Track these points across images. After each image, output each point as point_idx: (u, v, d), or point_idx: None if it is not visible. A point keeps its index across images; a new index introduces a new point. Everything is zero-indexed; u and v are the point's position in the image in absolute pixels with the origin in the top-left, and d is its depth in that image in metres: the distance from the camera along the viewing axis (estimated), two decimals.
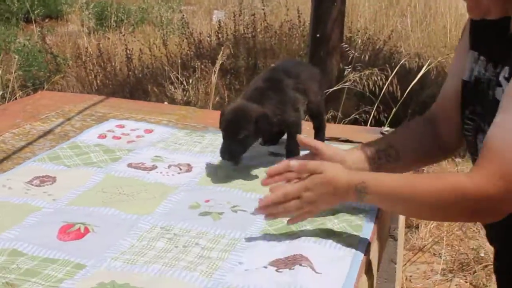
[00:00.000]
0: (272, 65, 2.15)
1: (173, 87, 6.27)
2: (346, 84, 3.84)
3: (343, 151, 1.75)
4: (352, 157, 1.72)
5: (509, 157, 1.33)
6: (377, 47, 7.23)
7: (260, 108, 1.91)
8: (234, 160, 1.96)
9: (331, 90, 3.89)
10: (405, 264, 3.26)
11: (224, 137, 1.91)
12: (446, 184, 1.40)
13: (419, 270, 3.41)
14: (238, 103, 1.97)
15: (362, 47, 6.58)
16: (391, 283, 2.31)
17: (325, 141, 2.21)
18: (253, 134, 1.91)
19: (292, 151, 2.01)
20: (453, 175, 1.43)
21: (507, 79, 1.40)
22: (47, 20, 10.54)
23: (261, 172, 1.96)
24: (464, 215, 1.48)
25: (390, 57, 6.92)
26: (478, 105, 1.55)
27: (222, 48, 5.53)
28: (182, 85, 6.20)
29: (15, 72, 5.00)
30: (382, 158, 1.72)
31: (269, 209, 1.53)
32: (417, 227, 3.72)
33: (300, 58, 6.75)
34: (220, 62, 4.68)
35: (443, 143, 1.75)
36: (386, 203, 1.52)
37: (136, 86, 6.67)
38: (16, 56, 5.52)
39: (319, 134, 2.18)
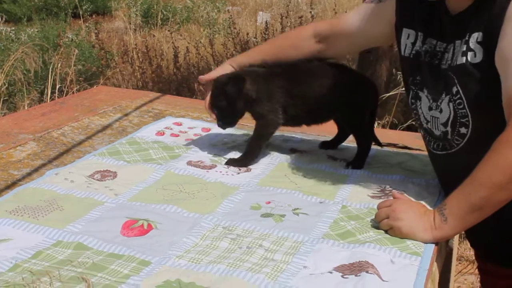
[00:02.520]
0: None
1: None
2: (400, 90, 3.79)
3: None
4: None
5: None
6: None
7: (234, 74, 2.01)
8: (222, 127, 2.05)
9: (385, 96, 3.85)
10: (455, 274, 3.21)
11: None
12: (501, 153, 1.44)
13: (467, 281, 3.36)
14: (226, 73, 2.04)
15: None
16: None
17: (383, 148, 2.19)
18: (225, 100, 1.97)
19: (248, 149, 2.04)
20: (496, 143, 1.46)
21: (481, 43, 1.55)
22: (94, 16, 10.65)
23: (319, 175, 1.95)
24: None
25: None
26: (418, 75, 1.75)
27: None
28: None
29: (73, 66, 5.06)
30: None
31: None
32: (464, 237, 3.66)
33: (347, 62, 6.71)
34: None
35: (313, 55, 2.04)
36: (465, 208, 1.50)
37: (182, 84, 6.69)
38: (76, 50, 5.58)
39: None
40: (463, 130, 1.64)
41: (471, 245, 1.92)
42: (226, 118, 2.01)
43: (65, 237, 1.48)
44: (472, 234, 1.84)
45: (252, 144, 2.03)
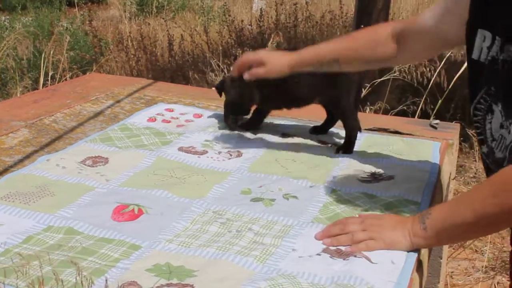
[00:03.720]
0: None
1: (214, 74, 6.27)
2: (395, 74, 3.80)
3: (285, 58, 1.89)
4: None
5: None
6: None
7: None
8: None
9: (377, 81, 3.85)
10: (447, 259, 3.23)
11: None
12: (501, 180, 1.32)
13: (461, 266, 3.37)
14: None
15: None
16: (435, 278, 2.29)
17: (373, 132, 2.20)
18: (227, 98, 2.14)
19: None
20: (495, 174, 1.34)
21: None
22: (89, 4, 10.62)
23: (310, 160, 1.96)
24: None
25: None
26: (493, 85, 1.47)
27: (272, 35, 5.51)
28: (223, 73, 6.20)
29: (65, 53, 5.06)
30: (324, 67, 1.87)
31: (333, 238, 1.48)
32: None
33: None
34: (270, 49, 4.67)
35: (389, 58, 1.84)
36: (447, 227, 1.40)
37: (177, 72, 6.69)
38: (68, 37, 5.58)
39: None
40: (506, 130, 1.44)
41: None
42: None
43: (55, 222, 1.49)
44: None
45: None
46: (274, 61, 1.87)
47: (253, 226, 1.52)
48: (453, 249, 3.40)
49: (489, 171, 1.54)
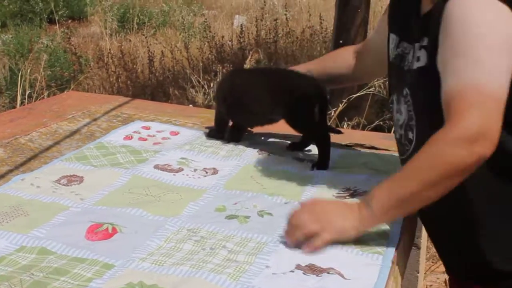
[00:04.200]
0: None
1: (194, 91, 6.28)
2: (370, 90, 3.83)
3: None
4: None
5: (470, 93, 1.38)
6: None
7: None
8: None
9: (354, 96, 3.88)
10: (425, 272, 3.24)
11: None
12: (429, 150, 1.41)
13: (439, 279, 3.39)
14: None
15: None
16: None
17: (350, 149, 2.22)
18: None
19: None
20: (431, 140, 1.41)
21: (426, 47, 1.55)
22: (70, 21, 10.61)
23: (285, 176, 1.96)
24: (468, 155, 1.37)
25: None
26: (394, 79, 1.76)
27: (251, 52, 5.54)
28: (203, 89, 6.21)
29: (42, 72, 5.05)
30: None
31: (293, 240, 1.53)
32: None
33: None
34: (248, 66, 4.69)
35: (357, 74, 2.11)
36: (393, 202, 1.46)
37: (157, 88, 6.70)
38: (45, 55, 5.57)
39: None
40: (410, 134, 1.64)
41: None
42: None
43: (28, 242, 1.48)
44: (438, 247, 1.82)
45: None
46: None
47: (227, 244, 1.52)
48: (432, 262, 3.42)
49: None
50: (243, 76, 2.27)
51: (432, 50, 1.51)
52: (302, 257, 1.47)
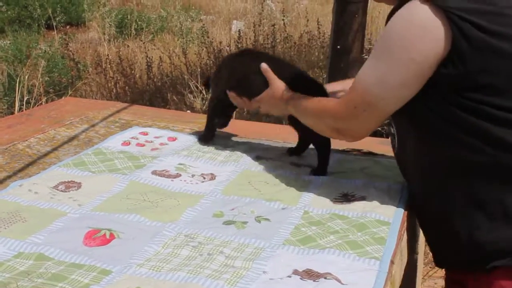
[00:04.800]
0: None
1: (192, 96, 6.29)
2: None
3: None
4: None
5: (359, 90, 1.67)
6: None
7: None
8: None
9: None
10: (423, 277, 3.25)
11: None
12: (319, 104, 1.84)
13: (437, 284, 3.39)
14: None
15: None
16: None
17: (347, 154, 2.23)
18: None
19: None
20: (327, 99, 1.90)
21: None
22: (68, 27, 10.62)
23: (283, 182, 1.97)
24: (332, 131, 1.82)
25: None
26: None
27: None
28: (202, 94, 6.22)
29: (40, 78, 5.06)
30: None
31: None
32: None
33: (319, 69, 6.76)
34: None
35: None
36: (299, 114, 1.95)
37: (156, 94, 6.70)
38: (43, 61, 5.58)
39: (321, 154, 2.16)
40: (392, 130, 1.84)
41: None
42: None
43: (26, 248, 1.49)
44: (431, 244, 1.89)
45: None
46: None
47: (224, 249, 1.52)
48: (430, 267, 3.42)
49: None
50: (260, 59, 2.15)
51: None
52: (300, 263, 1.47)
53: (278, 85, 2.01)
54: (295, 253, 1.53)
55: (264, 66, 2.04)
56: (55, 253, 1.47)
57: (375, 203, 1.82)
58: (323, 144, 2.05)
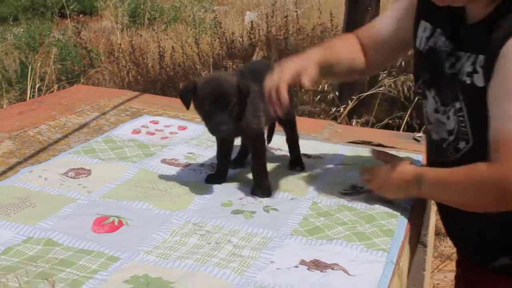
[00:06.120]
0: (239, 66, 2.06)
1: None
2: (381, 89, 3.82)
3: None
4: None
5: None
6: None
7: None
8: (229, 133, 1.78)
9: (364, 94, 3.87)
10: (433, 271, 3.24)
11: (211, 111, 1.71)
12: (471, 175, 1.51)
13: (447, 278, 3.38)
14: (209, 75, 1.85)
15: None
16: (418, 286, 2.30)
17: (357, 145, 2.22)
18: (237, 102, 1.73)
19: (259, 171, 1.84)
20: (477, 167, 1.50)
21: (483, 67, 1.49)
22: (81, 16, 10.64)
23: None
24: (502, 202, 1.47)
25: None
26: (428, 73, 1.70)
27: (257, 49, 5.53)
28: None
29: (52, 65, 5.07)
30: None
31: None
32: (445, 235, 3.68)
33: None
34: None
35: (362, 66, 1.95)
36: (437, 193, 1.65)
37: (168, 83, 6.70)
38: (55, 49, 5.59)
39: (294, 148, 2.04)
40: (461, 145, 1.62)
41: (454, 245, 1.90)
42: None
43: (35, 234, 1.50)
44: (456, 237, 1.83)
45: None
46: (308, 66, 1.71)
47: (232, 238, 1.53)
48: (440, 261, 3.41)
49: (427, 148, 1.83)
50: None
51: (488, 74, 1.48)
52: (307, 253, 1.47)
53: (405, 167, 1.71)
54: (303, 243, 1.53)
55: (374, 152, 1.89)
56: (64, 238, 1.48)
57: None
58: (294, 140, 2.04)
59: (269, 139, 2.10)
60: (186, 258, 1.42)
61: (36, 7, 11.06)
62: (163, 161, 2.01)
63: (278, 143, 2.16)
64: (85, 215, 1.60)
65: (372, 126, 3.85)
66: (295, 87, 2.06)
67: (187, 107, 1.76)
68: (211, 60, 6.86)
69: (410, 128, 3.75)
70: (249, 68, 1.96)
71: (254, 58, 4.76)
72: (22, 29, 8.34)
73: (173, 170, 1.94)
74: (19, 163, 1.96)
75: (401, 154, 2.14)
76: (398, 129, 3.82)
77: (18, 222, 1.54)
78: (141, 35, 9.01)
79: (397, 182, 1.70)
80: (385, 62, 2.10)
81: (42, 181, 1.81)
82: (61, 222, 1.57)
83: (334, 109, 4.01)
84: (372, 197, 1.79)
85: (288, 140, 2.04)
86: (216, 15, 8.66)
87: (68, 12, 9.94)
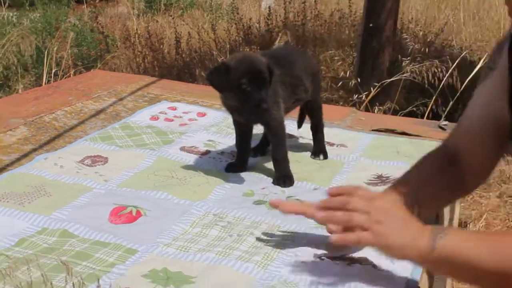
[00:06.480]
0: (263, 51, 1.99)
1: None
2: (404, 75, 3.73)
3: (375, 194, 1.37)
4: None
5: None
6: (428, 39, 7.08)
7: None
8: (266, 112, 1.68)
9: (387, 81, 3.79)
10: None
11: (248, 90, 1.62)
12: None
13: None
14: (238, 54, 1.75)
15: (414, 39, 6.44)
16: (442, 281, 2.24)
17: (381, 133, 2.15)
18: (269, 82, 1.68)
19: (280, 159, 1.77)
20: None
21: None
22: (97, 1, 10.58)
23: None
24: None
25: (441, 50, 6.76)
26: None
27: (280, 34, 5.45)
28: None
29: (69, 50, 5.01)
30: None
31: (328, 212, 1.29)
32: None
33: (350, 48, 6.64)
34: None
35: (464, 180, 1.44)
36: (466, 249, 1.15)
37: (184, 69, 6.64)
38: (72, 33, 5.53)
39: (318, 136, 1.97)
40: None
41: None
42: None
43: (50, 224, 1.44)
44: None
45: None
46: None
47: (255, 231, 1.46)
48: None
49: None
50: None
51: None
52: (333, 247, 1.40)
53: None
54: (328, 235, 1.46)
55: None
56: (80, 229, 1.42)
57: None
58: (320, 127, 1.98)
59: (300, 124, 2.06)
60: (207, 251, 1.35)
61: None
62: (182, 148, 1.95)
63: (300, 131, 2.09)
64: (102, 205, 1.55)
65: (395, 114, 3.76)
66: (319, 75, 1.99)
67: (221, 90, 1.71)
68: (228, 46, 6.79)
69: (435, 116, 3.66)
70: (270, 53, 1.88)
71: (276, 43, 4.68)
72: (38, 14, 8.29)
73: (192, 158, 1.88)
74: (34, 150, 1.91)
75: (427, 142, 2.08)
76: (422, 116, 3.73)
77: (32, 212, 1.48)
78: (157, 21, 8.94)
79: (405, 217, 1.24)
80: (488, 160, 1.45)
81: (57, 169, 1.75)
82: (77, 212, 1.51)
83: (356, 96, 3.92)
84: None
85: (312, 128, 1.98)
86: (234, 0, 8.57)
87: None
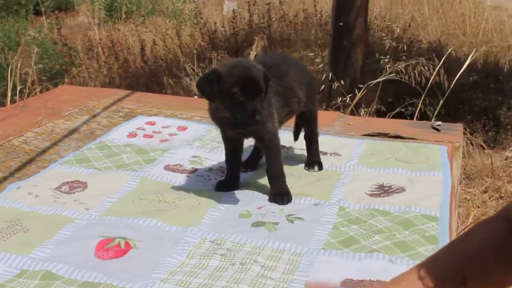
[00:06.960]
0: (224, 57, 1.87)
1: (188, 79, 6.06)
2: (391, 75, 3.62)
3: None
4: None
5: None
6: (395, 35, 7.01)
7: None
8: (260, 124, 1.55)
9: (373, 82, 3.66)
10: None
11: (241, 99, 1.49)
12: None
13: None
14: (230, 60, 1.64)
15: (387, 35, 6.36)
16: None
17: (373, 138, 2.04)
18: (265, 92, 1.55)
19: (276, 175, 1.65)
20: None
21: None
22: (56, 12, 10.34)
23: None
24: None
25: (410, 46, 6.70)
26: None
27: (257, 38, 5.32)
28: (198, 77, 6.00)
29: (34, 65, 4.80)
30: None
31: None
32: None
33: (318, 47, 6.54)
34: (254, 53, 4.49)
35: None
36: None
37: (151, 78, 6.49)
38: (36, 48, 5.32)
39: (312, 146, 1.86)
40: None
41: None
42: None
43: (30, 265, 1.28)
44: None
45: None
46: None
47: (258, 258, 1.33)
48: None
49: None
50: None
51: None
52: (346, 271, 1.28)
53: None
54: (339, 257, 1.34)
55: None
56: (64, 269, 1.27)
57: (417, 195, 1.63)
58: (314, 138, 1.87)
59: (296, 136, 1.94)
60: (210, 286, 1.21)
61: (10, 5, 10.73)
62: (167, 167, 1.80)
63: (290, 140, 1.96)
64: (86, 238, 1.39)
65: (383, 116, 3.65)
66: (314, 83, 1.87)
67: (211, 99, 1.56)
68: (194, 52, 6.65)
69: (424, 116, 3.56)
70: (258, 61, 1.73)
71: (253, 48, 4.55)
72: None
73: (178, 178, 1.73)
74: (5, 178, 1.75)
75: (423, 145, 1.98)
76: (411, 117, 3.62)
77: (9, 251, 1.32)
78: (119, 29, 8.75)
79: None
80: None
81: (32, 198, 1.59)
82: (59, 248, 1.35)
83: (340, 99, 3.78)
84: (405, 198, 1.61)
85: (306, 137, 1.85)
86: (196, 5, 8.42)
87: (43, 9, 9.65)
